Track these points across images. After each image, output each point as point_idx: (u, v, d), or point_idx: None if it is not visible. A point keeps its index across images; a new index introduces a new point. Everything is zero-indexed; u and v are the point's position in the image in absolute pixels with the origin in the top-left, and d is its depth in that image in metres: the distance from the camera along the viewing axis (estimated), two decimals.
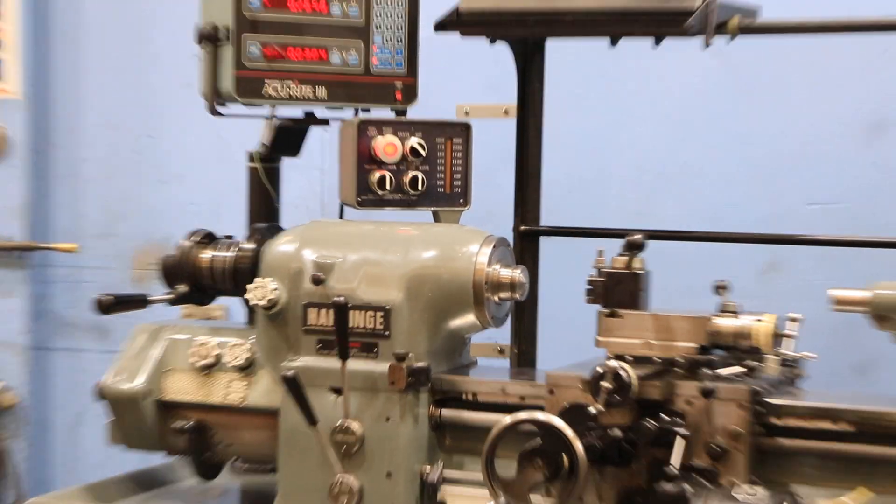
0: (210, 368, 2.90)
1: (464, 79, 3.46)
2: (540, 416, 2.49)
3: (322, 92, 3.07)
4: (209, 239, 3.01)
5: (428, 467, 2.71)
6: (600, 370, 2.51)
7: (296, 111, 3.15)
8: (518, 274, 2.74)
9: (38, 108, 4.26)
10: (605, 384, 2.49)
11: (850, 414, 2.52)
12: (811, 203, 3.54)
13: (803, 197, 3.54)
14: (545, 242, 3.28)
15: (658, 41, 2.94)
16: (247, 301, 2.84)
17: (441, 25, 3.02)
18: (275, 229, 2.98)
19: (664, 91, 3.61)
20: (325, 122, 3.20)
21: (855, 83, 3.48)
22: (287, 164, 3.19)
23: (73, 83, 4.29)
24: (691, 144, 3.65)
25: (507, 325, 3.02)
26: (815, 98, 3.52)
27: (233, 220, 3.20)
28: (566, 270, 3.02)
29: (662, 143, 3.67)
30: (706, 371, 2.57)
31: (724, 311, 2.62)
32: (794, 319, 2.66)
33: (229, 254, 2.95)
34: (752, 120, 3.58)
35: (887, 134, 3.49)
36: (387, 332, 2.70)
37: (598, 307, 2.65)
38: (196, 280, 2.98)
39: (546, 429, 2.47)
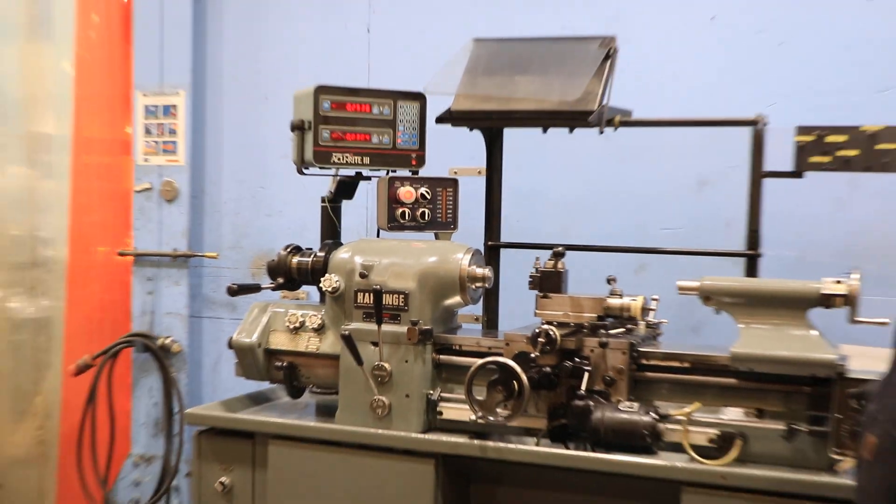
0: (297, 329, 2.84)
1: (453, 151, 3.39)
2: (500, 359, 2.47)
3: (367, 160, 3.02)
4: (297, 250, 2.96)
5: (432, 391, 2.65)
6: (537, 331, 2.48)
7: (350, 172, 3.08)
8: (487, 271, 2.69)
9: (195, 171, 4.22)
10: (541, 340, 2.46)
11: (689, 357, 2.49)
12: (663, 228, 3.51)
13: (658, 224, 3.51)
14: (504, 252, 3.24)
15: (572, 130, 2.91)
16: (320, 288, 2.79)
17: (440, 119, 3.00)
18: (337, 244, 2.94)
19: (575, 159, 3.58)
20: (368, 178, 3.14)
21: (688, 155, 3.44)
22: (345, 205, 3.13)
23: (216, 155, 4.25)
24: (591, 191, 3.61)
25: (480, 303, 2.98)
26: (665, 163, 3.49)
27: (312, 238, 3.13)
28: (516, 269, 2.98)
29: (574, 190, 3.64)
30: (602, 331, 2.52)
31: (613, 294, 2.58)
32: (655, 299, 2.66)
33: (309, 259, 2.90)
34: (628, 176, 3.55)
35: (707, 187, 3.47)
36: (406, 308, 2.64)
37: (536, 292, 2.61)
38: (289, 275, 2.93)
39: (504, 367, 2.45)
